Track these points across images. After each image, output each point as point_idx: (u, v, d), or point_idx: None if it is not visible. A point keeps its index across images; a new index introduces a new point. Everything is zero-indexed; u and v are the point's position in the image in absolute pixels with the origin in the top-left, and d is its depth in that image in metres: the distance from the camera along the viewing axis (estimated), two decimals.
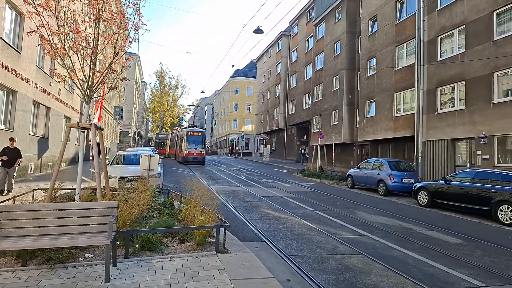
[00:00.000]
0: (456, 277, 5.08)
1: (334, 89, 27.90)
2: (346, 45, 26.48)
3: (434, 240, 7.27)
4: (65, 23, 6.43)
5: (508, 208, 8.94)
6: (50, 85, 15.80)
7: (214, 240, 5.62)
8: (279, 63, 42.52)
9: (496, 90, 13.44)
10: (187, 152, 27.73)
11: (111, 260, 4.17)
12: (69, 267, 4.31)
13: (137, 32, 7.04)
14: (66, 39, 6.50)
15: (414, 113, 17.86)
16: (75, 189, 8.87)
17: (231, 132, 62.01)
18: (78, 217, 4.18)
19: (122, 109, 26.52)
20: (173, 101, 63.28)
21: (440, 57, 16.42)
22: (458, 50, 15.38)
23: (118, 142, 33.28)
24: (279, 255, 5.83)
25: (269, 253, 5.93)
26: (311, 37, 34.02)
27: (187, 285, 4.01)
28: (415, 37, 17.91)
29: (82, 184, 11.19)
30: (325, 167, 21.95)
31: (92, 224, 4.16)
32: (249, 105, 62.12)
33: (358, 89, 24.62)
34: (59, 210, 4.17)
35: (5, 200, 6.72)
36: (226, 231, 5.68)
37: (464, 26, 15.03)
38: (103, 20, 6.54)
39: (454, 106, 15.55)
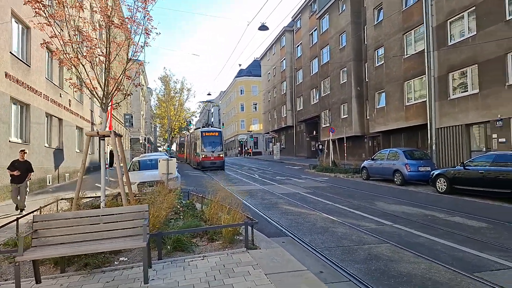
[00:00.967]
0: (488, 259, 5.04)
1: (342, 82, 27.74)
2: (351, 36, 26.30)
3: (459, 225, 7.20)
4: (78, 32, 6.50)
5: None
6: (61, 96, 16.04)
7: (242, 238, 5.69)
8: (284, 59, 42.41)
9: (510, 72, 13.22)
10: (203, 156, 23.86)
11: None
12: (106, 271, 4.42)
13: (148, 37, 7.07)
14: (79, 47, 6.58)
15: (425, 100, 17.67)
16: (96, 197, 9.12)
17: (239, 132, 62.15)
18: (111, 222, 4.26)
19: (132, 116, 26.69)
20: (180, 105, 63.65)
21: (450, 41, 16.20)
22: (469, 33, 15.15)
23: (129, 149, 33.64)
24: (306, 249, 5.85)
25: (296, 247, 5.95)
26: (315, 30, 33.86)
27: (225, 281, 4.07)
28: (423, 23, 17.71)
29: (99, 192, 11.40)
30: (337, 161, 21.86)
31: (127, 228, 4.24)
32: (255, 105, 62.16)
33: (367, 80, 24.45)
34: (92, 217, 4.26)
35: (32, 212, 6.87)
36: (253, 228, 5.73)
37: (474, 7, 14.79)
38: (115, 26, 6.61)
39: (466, 91, 15.34)
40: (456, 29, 16.12)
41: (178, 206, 7.36)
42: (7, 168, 9.10)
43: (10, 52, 11.11)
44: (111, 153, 25.55)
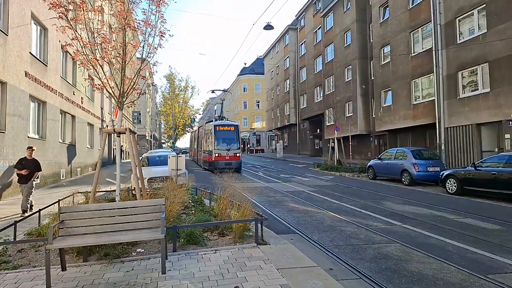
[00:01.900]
0: (502, 262, 5.03)
1: (347, 80, 27.70)
2: (357, 34, 26.23)
3: (471, 227, 7.20)
4: (97, 34, 6.68)
5: None
6: (74, 94, 16.37)
7: (251, 234, 5.85)
8: (287, 57, 42.40)
9: None
10: (216, 155, 19.95)
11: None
12: (125, 261, 4.66)
13: (162, 38, 7.24)
14: (97, 49, 6.77)
15: (434, 99, 17.61)
16: (108, 191, 9.32)
17: (242, 130, 62.17)
18: (130, 215, 4.45)
19: (139, 114, 26.89)
20: (184, 103, 64.02)
21: (459, 39, 16.12)
22: (479, 31, 15.06)
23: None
24: (315, 246, 5.95)
25: (305, 244, 6.05)
26: (319, 29, 33.80)
27: (238, 274, 4.23)
28: (430, 21, 17.62)
29: (111, 186, 11.61)
30: (342, 160, 21.88)
31: (146, 221, 4.47)
32: (258, 102, 62.27)
33: (372, 78, 24.40)
34: (114, 209, 4.50)
35: (51, 205, 7.09)
36: (263, 224, 5.83)
37: (484, 5, 14.68)
38: (131, 29, 6.78)
39: (477, 90, 15.27)
40: (465, 27, 16.03)
41: (190, 201, 7.50)
42: (14, 167, 8.57)
43: (30, 53, 11.52)
44: (120, 148, 25.86)
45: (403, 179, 14.47)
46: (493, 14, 14.24)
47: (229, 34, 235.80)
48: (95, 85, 7.27)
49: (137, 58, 7.90)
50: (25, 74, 11.11)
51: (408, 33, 19.79)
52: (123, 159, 26.50)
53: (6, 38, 10.18)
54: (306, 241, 6.27)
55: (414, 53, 19.46)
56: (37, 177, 8.81)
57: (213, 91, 29.49)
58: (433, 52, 17.34)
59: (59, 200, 7.32)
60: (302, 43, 38.81)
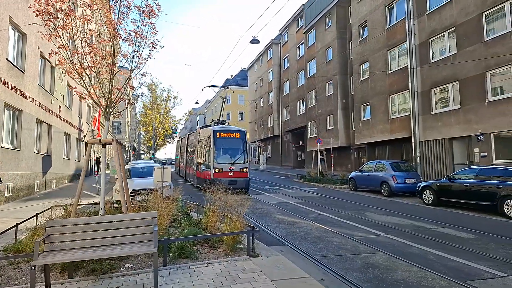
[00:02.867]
0: (478, 269, 5.34)
1: (328, 94, 28.42)
2: (337, 51, 27.11)
3: (448, 236, 7.54)
4: (85, 43, 6.62)
5: None
6: (51, 102, 15.86)
7: (242, 246, 5.83)
8: (271, 70, 43.08)
9: (489, 89, 14.00)
10: (216, 170, 15.12)
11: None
12: (113, 277, 4.48)
13: (152, 49, 7.26)
14: (85, 58, 6.70)
15: (409, 114, 18.36)
16: (90, 204, 9.05)
17: None
18: (121, 228, 4.33)
19: (120, 124, 26.24)
20: (165, 113, 63.29)
21: (432, 59, 17.01)
22: (450, 52, 15.98)
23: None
24: (305, 257, 6.02)
25: (295, 256, 6.10)
26: (302, 44, 34.69)
27: (232, 287, 4.21)
28: (406, 41, 18.52)
29: (92, 199, 11.27)
30: (325, 172, 22.25)
31: (136, 235, 4.33)
32: (242, 114, 62.52)
33: (352, 93, 25.17)
34: (103, 222, 4.32)
35: (28, 219, 6.79)
36: (254, 237, 5.86)
37: (454, 28, 15.65)
38: (122, 39, 6.78)
39: (449, 106, 16.08)
40: (437, 48, 16.96)
41: (180, 214, 7.41)
42: None
43: (6, 59, 11.07)
44: (98, 160, 25.11)
45: (382, 191, 14.89)
46: (462, 36, 15.18)
47: (216, 46, 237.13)
48: (80, 94, 7.15)
49: (124, 68, 7.87)
50: (1, 81, 10.66)
51: (385, 52, 20.67)
52: (100, 171, 25.77)
53: None
54: (296, 252, 6.33)
55: (391, 70, 20.31)
56: None
57: (210, 87, 23.19)
58: (409, 70, 18.17)
59: (37, 214, 7.04)
60: (286, 57, 39.61)
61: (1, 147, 10.94)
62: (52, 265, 4.58)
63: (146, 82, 25.18)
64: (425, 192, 12.27)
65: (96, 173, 18.94)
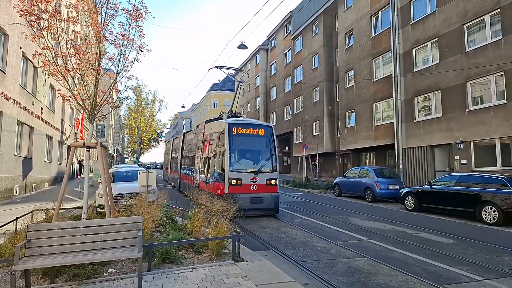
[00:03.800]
0: (456, 273, 5.50)
1: (314, 100, 28.76)
2: (324, 58, 27.52)
3: (428, 241, 7.74)
4: (71, 44, 6.54)
5: (491, 208, 9.63)
6: (33, 104, 15.49)
7: (227, 251, 5.84)
8: (258, 76, 43.30)
9: (470, 98, 14.48)
10: (233, 181, 10.46)
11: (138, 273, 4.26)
12: (96, 282, 4.40)
13: (139, 53, 7.23)
14: (69, 60, 6.61)
15: (393, 122, 18.77)
16: (71, 208, 8.87)
17: None
18: (105, 233, 4.28)
19: (104, 127, 25.76)
20: (151, 116, 62.62)
21: (416, 68, 17.48)
22: (433, 61, 16.46)
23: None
24: (290, 261, 6.08)
25: (280, 260, 6.14)
26: (289, 50, 35.05)
27: None
28: (391, 50, 18.99)
29: (73, 203, 11.03)
30: (310, 177, 22.45)
31: (120, 239, 4.29)
32: None
33: (338, 100, 25.55)
34: (87, 227, 4.27)
35: (7, 223, 6.60)
36: (240, 241, 5.87)
37: (437, 38, 16.16)
38: (108, 42, 6.73)
39: (431, 114, 16.53)
40: (421, 57, 17.46)
41: (165, 219, 7.34)
42: None
43: None
44: (80, 163, 24.56)
45: (366, 196, 15.13)
46: (444, 47, 15.70)
47: (203, 50, 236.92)
48: (64, 96, 7.03)
49: (110, 70, 7.79)
50: None
51: (370, 60, 21.13)
52: (82, 175, 25.23)
53: None
54: (280, 257, 6.38)
55: (375, 78, 20.76)
56: None
57: (219, 68, 14.65)
58: (393, 78, 18.62)
59: (17, 218, 6.86)
60: (273, 63, 39.91)
61: None
62: (33, 270, 4.46)
63: (132, 85, 24.29)
64: (407, 198, 12.54)
65: (78, 176, 18.54)
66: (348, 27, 23.64)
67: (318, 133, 28.02)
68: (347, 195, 16.97)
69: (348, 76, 23.68)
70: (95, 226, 4.31)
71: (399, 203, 13.29)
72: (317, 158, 22.25)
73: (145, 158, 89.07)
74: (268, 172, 10.90)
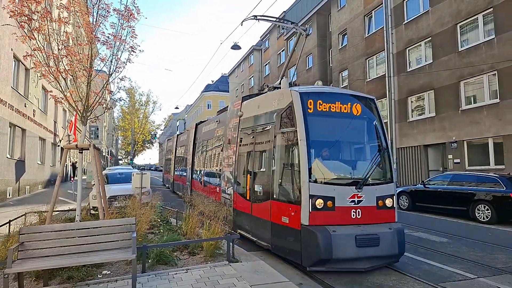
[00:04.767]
0: (450, 271, 5.53)
1: None
2: (318, 58, 27.60)
3: (422, 240, 7.79)
4: (62, 45, 6.49)
5: (484, 207, 9.74)
6: (25, 106, 15.34)
7: (222, 252, 5.83)
8: (252, 77, 43.32)
9: (463, 98, 14.63)
10: (318, 203, 5.22)
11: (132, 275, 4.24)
12: (90, 284, 4.37)
13: (131, 54, 7.19)
14: (61, 61, 6.56)
15: (387, 121, 18.87)
16: (65, 210, 8.79)
17: None
18: (98, 235, 4.26)
19: (97, 129, 25.54)
20: (144, 118, 62.35)
21: (409, 67, 17.62)
22: (426, 61, 16.60)
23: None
24: (284, 262, 6.05)
25: (274, 261, 6.12)
26: (282, 51, 35.10)
27: None
28: (384, 50, 19.10)
29: (67, 206, 10.92)
30: None
31: (114, 241, 4.27)
32: None
33: None
34: (80, 229, 4.24)
35: (1, 226, 6.54)
36: (234, 242, 5.85)
37: (430, 38, 16.29)
38: (100, 42, 6.69)
39: (424, 114, 16.66)
40: (414, 57, 17.59)
41: (159, 220, 7.32)
42: None
43: None
44: (74, 165, 24.41)
45: None
46: (438, 46, 15.83)
47: (199, 52, 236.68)
48: (56, 97, 6.97)
49: (102, 71, 7.74)
50: None
51: (364, 60, 21.24)
52: (76, 177, 25.03)
53: None
54: (274, 257, 6.36)
55: (369, 78, 20.87)
56: None
57: (256, 18, 9.35)
58: (386, 78, 18.73)
59: (10, 221, 6.79)
60: (267, 64, 39.95)
61: None
62: (26, 273, 4.43)
63: (124, 86, 23.95)
64: (401, 198, 12.61)
65: (72, 179, 18.39)
66: (342, 27, 23.73)
67: None
68: None
69: (342, 76, 23.77)
70: (88, 228, 4.29)
71: None
72: None
73: (139, 159, 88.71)
74: (379, 182, 6.00)
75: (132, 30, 6.93)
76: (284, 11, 34.43)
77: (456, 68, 14.76)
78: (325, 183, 5.45)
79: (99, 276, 4.66)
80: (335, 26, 24.71)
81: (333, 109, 5.90)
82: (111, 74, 7.13)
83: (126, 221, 4.54)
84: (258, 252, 6.57)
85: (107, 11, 6.82)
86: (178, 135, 18.51)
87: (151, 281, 4.52)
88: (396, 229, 5.57)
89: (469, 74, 14.26)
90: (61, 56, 6.50)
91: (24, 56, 6.75)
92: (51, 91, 7.16)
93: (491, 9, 13.56)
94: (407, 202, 12.32)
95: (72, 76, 6.67)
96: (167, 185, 21.23)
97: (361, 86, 21.32)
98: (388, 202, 5.73)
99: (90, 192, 10.26)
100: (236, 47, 20.94)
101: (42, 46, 6.37)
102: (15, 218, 6.87)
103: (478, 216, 9.85)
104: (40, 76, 6.61)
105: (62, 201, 12.47)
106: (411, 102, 17.53)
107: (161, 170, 66.01)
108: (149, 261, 5.16)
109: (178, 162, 16.04)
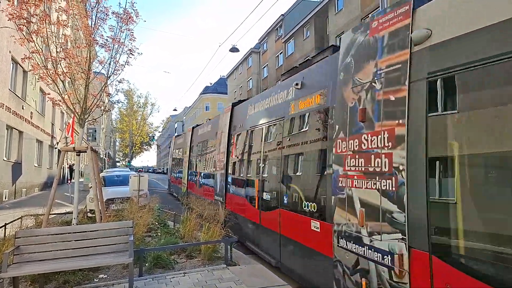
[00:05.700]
0: None
1: None
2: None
3: None
4: (60, 48, 6.49)
5: None
6: (23, 108, 15.28)
7: (220, 255, 5.81)
8: (250, 79, 43.37)
9: None
10: None
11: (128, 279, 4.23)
12: None
13: (130, 56, 7.20)
14: (59, 63, 6.56)
15: None
16: (61, 213, 8.75)
17: None
18: (95, 238, 4.23)
19: (95, 131, 25.45)
20: (142, 120, 62.20)
21: None
22: None
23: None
24: None
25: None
26: (280, 53, 35.19)
27: None
28: None
29: (63, 208, 10.88)
30: None
31: (111, 245, 4.25)
32: None
33: None
34: (76, 232, 4.21)
35: None
36: (232, 245, 5.85)
37: None
38: (99, 45, 6.70)
39: None
40: None
41: (156, 223, 7.30)
42: None
43: None
44: (71, 168, 24.34)
45: None
46: None
47: (195, 54, 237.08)
48: (54, 100, 6.97)
49: (101, 74, 7.74)
50: None
51: None
52: (73, 179, 24.71)
53: None
54: None
55: None
56: None
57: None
58: None
59: (5, 224, 6.73)
60: (265, 66, 40.01)
61: None
62: (22, 277, 4.37)
63: (123, 88, 23.93)
64: None
65: (69, 181, 18.27)
66: (339, 30, 23.81)
67: None
68: None
69: None
70: (85, 232, 4.27)
71: None
72: None
73: (137, 162, 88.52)
74: None
75: (131, 33, 6.96)
76: (282, 14, 34.56)
77: None
78: None
79: (95, 280, 4.62)
80: (332, 29, 24.80)
81: None
82: (109, 77, 7.14)
83: (123, 224, 4.51)
84: (256, 255, 6.56)
85: (106, 14, 6.84)
86: (195, 126, 15.63)
87: (148, 285, 4.50)
88: None
89: None
90: (60, 59, 6.50)
91: (22, 58, 6.75)
92: (49, 94, 7.16)
93: None
94: None
95: (70, 78, 6.68)
96: (172, 192, 18.67)
97: None
98: None
99: (87, 195, 10.22)
100: (234, 49, 20.98)
101: (40, 49, 6.37)
102: (11, 222, 6.82)
103: None
104: (38, 79, 6.60)
105: (58, 204, 12.40)
106: None
107: (159, 172, 65.95)
108: (147, 264, 5.14)
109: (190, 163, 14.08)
